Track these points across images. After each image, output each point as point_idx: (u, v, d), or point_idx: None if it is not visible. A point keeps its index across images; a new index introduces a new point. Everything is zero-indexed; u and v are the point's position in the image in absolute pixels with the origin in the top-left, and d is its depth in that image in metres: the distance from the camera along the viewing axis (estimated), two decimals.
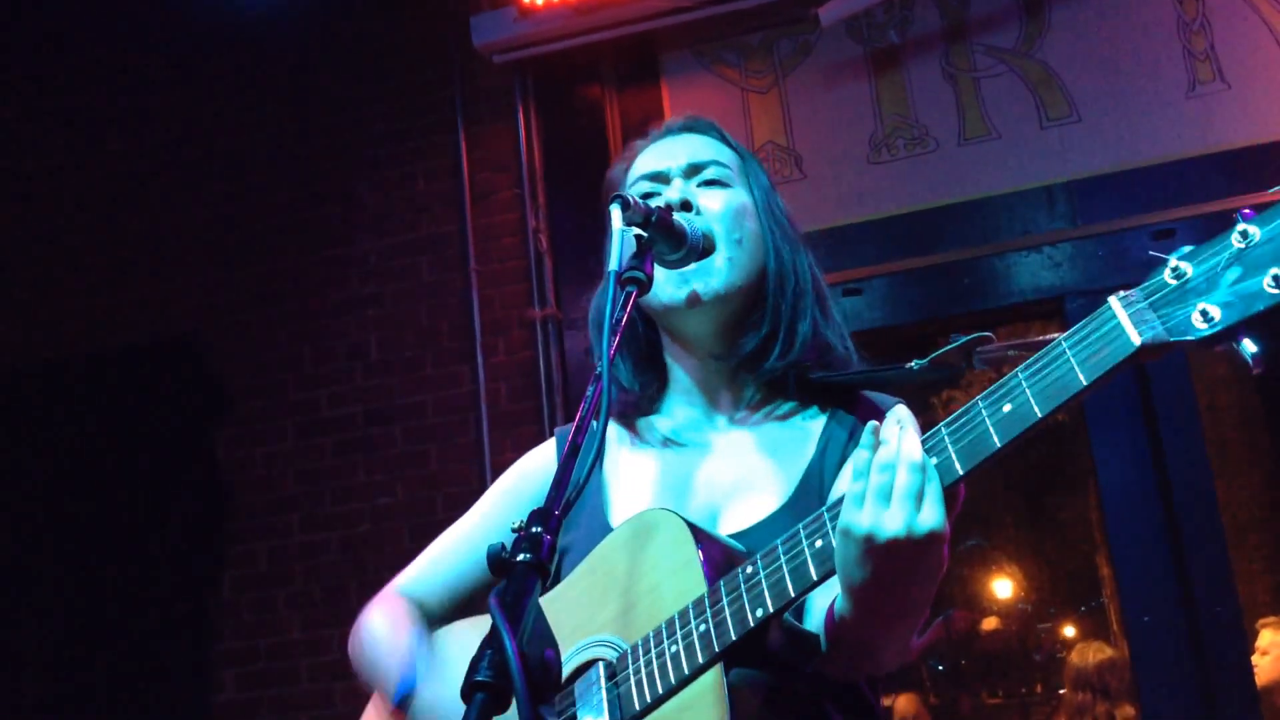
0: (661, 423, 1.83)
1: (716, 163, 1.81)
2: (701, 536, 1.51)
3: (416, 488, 4.63)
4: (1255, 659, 4.87)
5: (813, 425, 1.75)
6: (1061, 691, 5.84)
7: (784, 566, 1.37)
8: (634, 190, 1.82)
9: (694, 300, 1.70)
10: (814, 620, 1.51)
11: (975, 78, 4.44)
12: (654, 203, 1.67)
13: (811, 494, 1.65)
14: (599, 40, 4.62)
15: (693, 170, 1.80)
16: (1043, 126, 4.33)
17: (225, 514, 4.82)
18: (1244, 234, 1.13)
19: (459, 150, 4.86)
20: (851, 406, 1.75)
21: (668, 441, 1.80)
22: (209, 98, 5.23)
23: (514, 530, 1.19)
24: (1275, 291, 1.10)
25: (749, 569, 1.40)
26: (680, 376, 1.83)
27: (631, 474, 1.79)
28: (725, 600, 1.40)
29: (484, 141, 4.87)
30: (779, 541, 1.40)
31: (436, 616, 1.87)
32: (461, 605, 1.88)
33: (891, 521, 1.26)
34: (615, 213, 1.51)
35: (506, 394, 4.61)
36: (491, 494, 1.95)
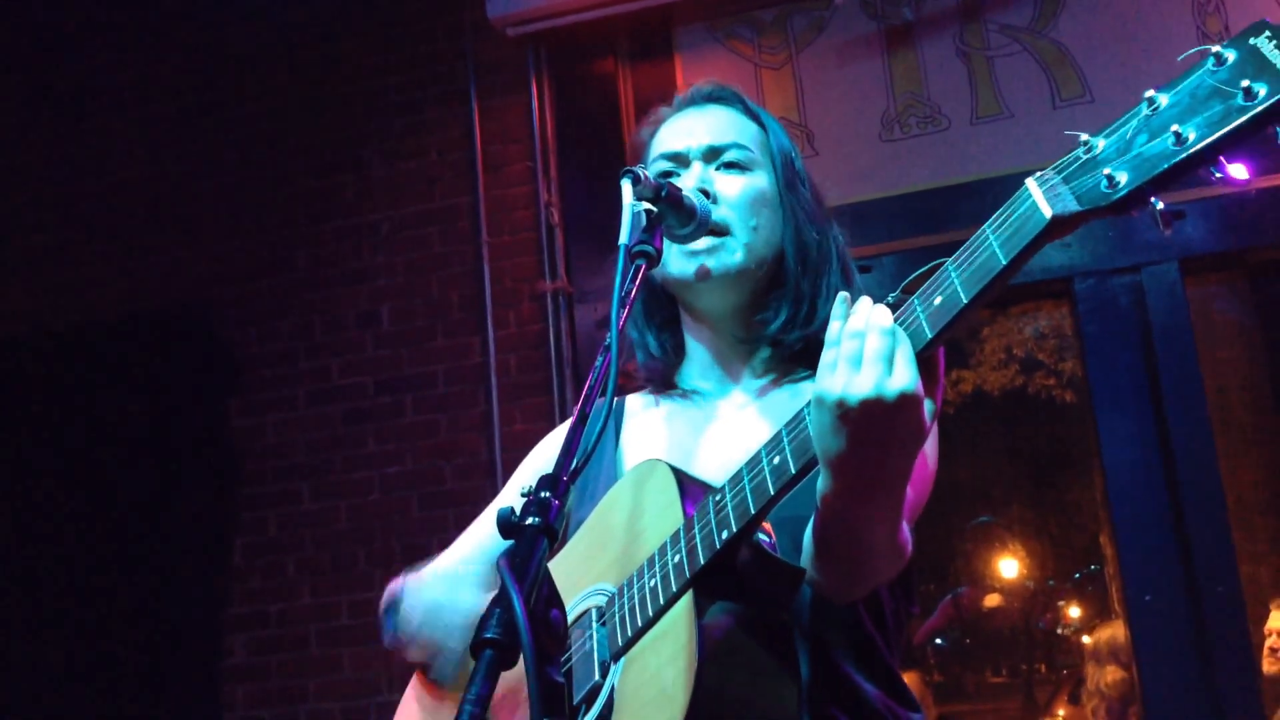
0: (679, 395, 1.86)
1: (737, 144, 1.81)
2: (685, 481, 1.54)
3: (426, 458, 4.67)
4: (1276, 642, 4.87)
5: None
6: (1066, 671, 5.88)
7: (746, 486, 1.39)
8: (654, 168, 1.83)
9: (703, 274, 1.73)
10: (805, 546, 1.53)
11: (989, 56, 4.43)
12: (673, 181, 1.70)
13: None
14: (613, 14, 4.62)
15: (712, 154, 1.81)
16: (1055, 106, 4.32)
17: (236, 481, 4.87)
18: (1151, 101, 1.16)
19: (471, 122, 4.88)
20: None
21: (683, 413, 1.83)
22: (223, 67, 5.25)
23: (523, 495, 1.22)
24: (1177, 149, 1.12)
25: (717, 496, 1.43)
26: (696, 349, 1.86)
27: (646, 449, 1.82)
28: (696, 529, 1.42)
29: (497, 114, 4.88)
30: (742, 465, 1.42)
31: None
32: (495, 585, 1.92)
33: (862, 383, 1.27)
34: (626, 187, 1.54)
35: (516, 366, 4.65)
36: (519, 475, 1.99)
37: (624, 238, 1.48)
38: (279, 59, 5.19)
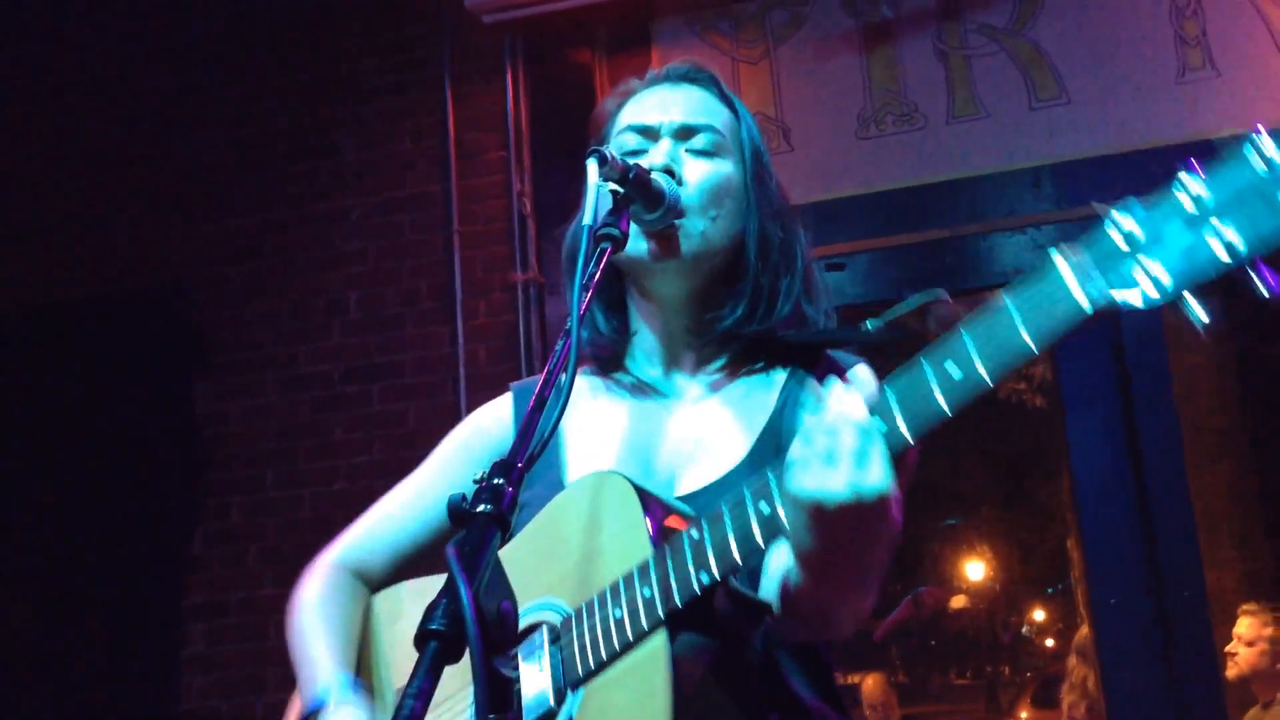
0: (624, 379, 1.80)
1: (710, 129, 1.75)
2: (649, 500, 1.49)
3: (393, 447, 4.61)
4: (1237, 647, 4.90)
5: (773, 383, 1.74)
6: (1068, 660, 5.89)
7: (729, 530, 1.34)
8: (620, 139, 1.78)
9: (657, 255, 1.67)
10: (768, 583, 1.50)
11: (966, 56, 4.42)
12: (638, 161, 1.65)
13: (768, 452, 1.63)
14: (591, 3, 4.58)
15: (684, 133, 1.74)
16: (1032, 108, 4.31)
17: (199, 467, 4.80)
18: (1185, 186, 1.10)
19: (445, 109, 4.83)
20: (812, 365, 1.73)
21: (628, 399, 1.78)
22: (194, 49, 5.17)
23: (475, 482, 1.18)
24: (1224, 260, 1.05)
25: (694, 532, 1.37)
26: (644, 333, 1.79)
27: (589, 432, 1.77)
28: (670, 564, 1.38)
29: (471, 102, 4.83)
30: (724, 504, 1.37)
31: (379, 581, 1.83)
32: (408, 567, 1.83)
33: (836, 483, 1.22)
34: (591, 167, 1.49)
35: (486, 356, 4.60)
36: (443, 449, 1.89)
37: (587, 218, 1.44)
38: (253, 42, 5.12)
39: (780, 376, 1.74)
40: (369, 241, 4.84)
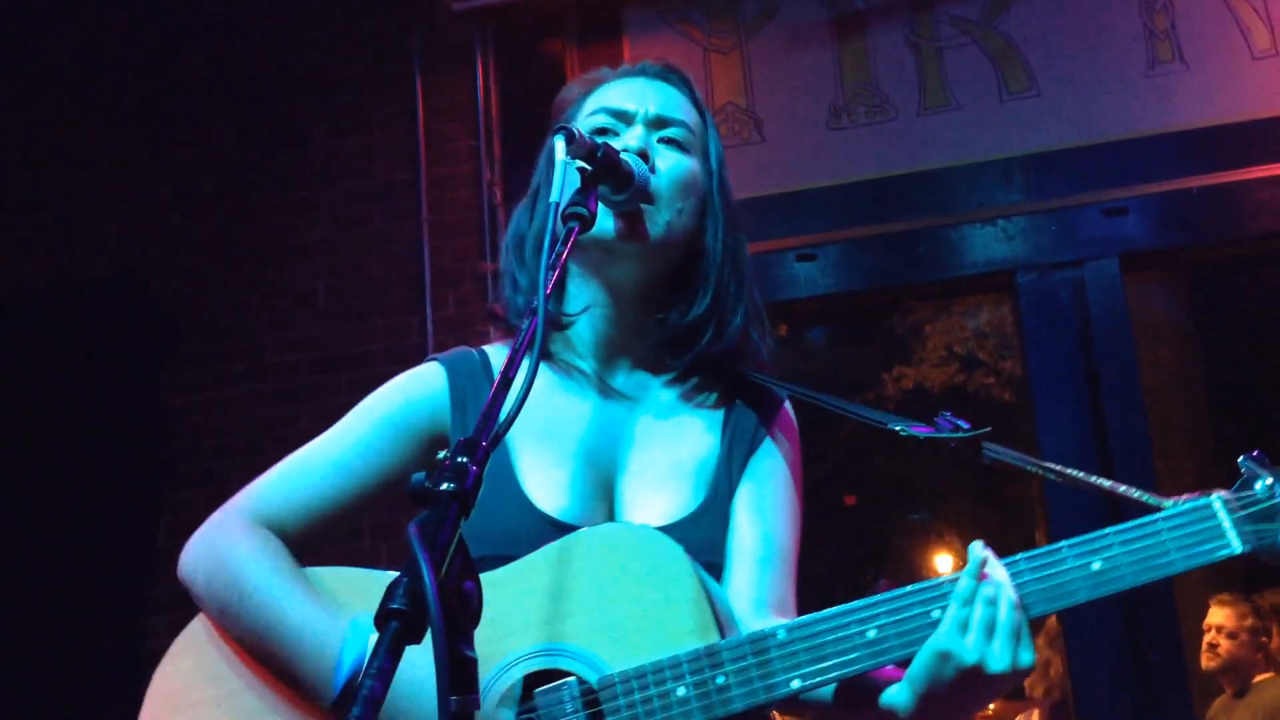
0: (559, 367, 1.75)
1: (683, 125, 1.74)
2: (707, 582, 1.49)
3: None
4: (1218, 638, 4.90)
5: (715, 414, 1.73)
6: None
7: (831, 647, 1.41)
8: (591, 120, 1.74)
9: (623, 235, 1.63)
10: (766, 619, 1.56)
11: (938, 48, 4.43)
12: (608, 141, 1.62)
13: (722, 497, 1.65)
14: None
15: (658, 123, 1.73)
16: (1002, 100, 4.32)
17: (165, 458, 4.75)
18: None
19: (415, 99, 4.79)
20: (750, 397, 1.75)
21: (566, 393, 1.72)
22: (164, 38, 5.10)
23: (439, 459, 1.15)
24: None
25: (783, 634, 1.41)
26: (585, 322, 1.73)
27: (530, 425, 1.67)
28: (753, 660, 1.41)
29: (441, 91, 4.80)
30: (824, 617, 1.42)
31: (295, 541, 1.68)
32: (323, 529, 1.71)
33: (999, 657, 1.36)
34: (559, 145, 1.46)
35: (455, 346, 4.56)
36: (368, 417, 1.79)
37: (554, 195, 1.40)
38: (222, 30, 5.07)
39: (720, 407, 1.74)
40: (338, 231, 4.79)
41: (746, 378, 1.75)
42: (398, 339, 4.64)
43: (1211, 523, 1.36)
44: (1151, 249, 4.18)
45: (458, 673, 1.01)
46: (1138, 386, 4.13)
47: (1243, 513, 1.35)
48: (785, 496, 1.71)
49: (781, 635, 1.40)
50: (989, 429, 1.62)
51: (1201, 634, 5.01)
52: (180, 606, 5.13)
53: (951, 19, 4.44)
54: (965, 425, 1.62)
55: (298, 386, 4.69)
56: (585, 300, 1.72)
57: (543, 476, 1.64)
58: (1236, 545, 1.35)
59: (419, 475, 1.13)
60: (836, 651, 1.40)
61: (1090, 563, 1.38)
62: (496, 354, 1.81)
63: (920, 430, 1.60)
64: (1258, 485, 1.35)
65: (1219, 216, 4.09)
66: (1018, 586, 1.38)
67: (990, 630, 1.36)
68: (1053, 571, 1.39)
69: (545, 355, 1.75)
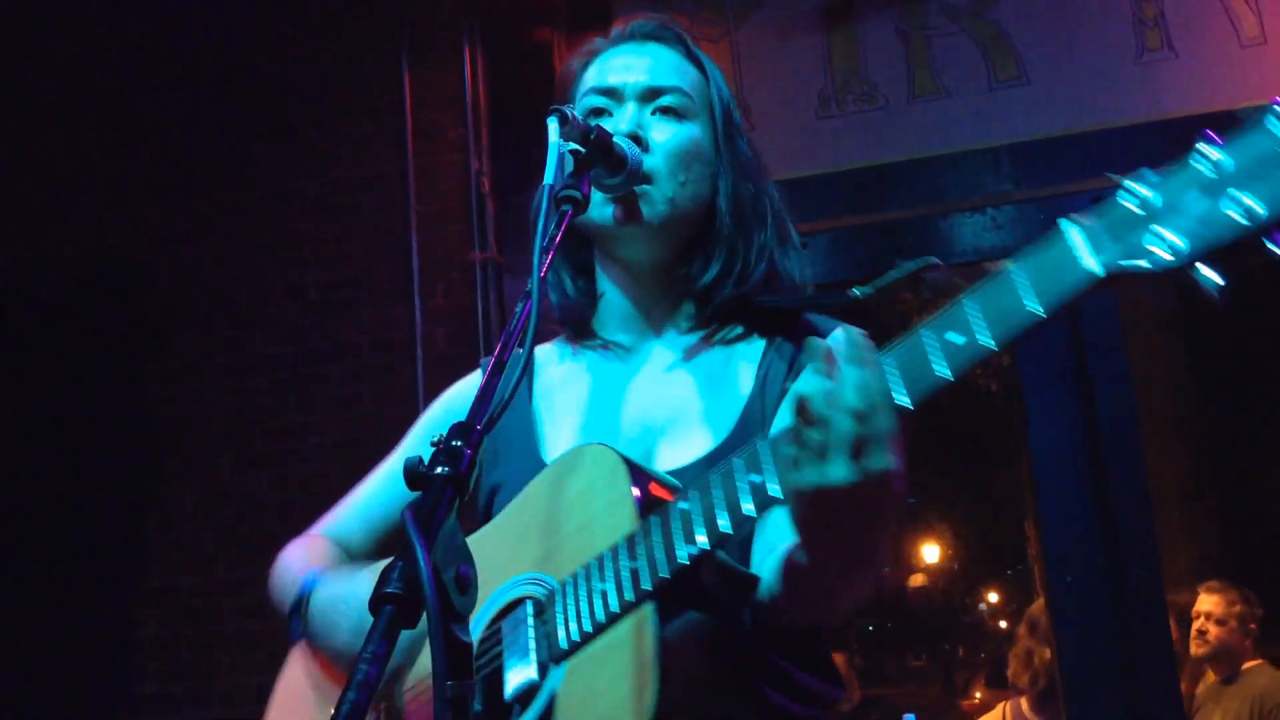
0: (595, 345, 1.76)
1: (677, 91, 1.69)
2: (636, 472, 1.45)
3: (349, 429, 4.56)
4: (1207, 625, 4.92)
5: (751, 353, 1.69)
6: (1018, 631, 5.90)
7: (718, 500, 1.30)
8: (584, 102, 1.72)
9: (622, 220, 1.62)
10: (766, 559, 1.46)
11: (927, 36, 4.42)
12: (603, 122, 1.61)
13: (751, 432, 1.57)
14: None
15: (650, 94, 1.69)
16: (991, 88, 4.32)
17: (153, 451, 4.73)
18: (1202, 156, 1.08)
19: (403, 88, 4.77)
20: (791, 333, 1.68)
21: (603, 368, 1.73)
22: (147, 27, 5.07)
23: (433, 444, 1.14)
24: (1244, 223, 1.04)
25: (682, 504, 1.33)
26: (615, 298, 1.75)
27: (564, 405, 1.73)
28: (658, 536, 1.34)
29: (429, 80, 4.77)
30: (712, 474, 1.33)
31: (363, 554, 1.83)
32: (386, 543, 1.84)
33: (842, 468, 1.18)
34: (552, 126, 1.45)
35: (444, 337, 4.56)
36: (416, 428, 1.91)
37: (548, 177, 1.40)
38: (205, 20, 5.03)
39: (759, 344, 1.70)
40: (325, 222, 4.78)
41: (779, 311, 1.71)
42: (387, 330, 4.63)
43: (1064, 249, 1.12)
44: None
45: (453, 657, 1.01)
46: (1128, 375, 4.13)
47: (1102, 229, 1.10)
48: None
49: (682, 505, 1.34)
50: (934, 259, 1.57)
51: (1190, 620, 5.03)
52: (172, 598, 5.11)
53: (940, 6, 4.43)
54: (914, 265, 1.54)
55: (287, 378, 4.68)
56: (611, 277, 1.75)
57: (567, 447, 1.63)
58: (1093, 264, 1.10)
59: (413, 458, 1.12)
60: (729, 500, 1.30)
61: (947, 335, 1.18)
62: (548, 349, 1.85)
63: (874, 285, 1.58)
64: (1124, 195, 1.11)
65: None
66: (866, 385, 1.19)
67: (828, 447, 1.18)
68: (913, 354, 1.20)
69: (586, 335, 1.77)
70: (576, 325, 1.78)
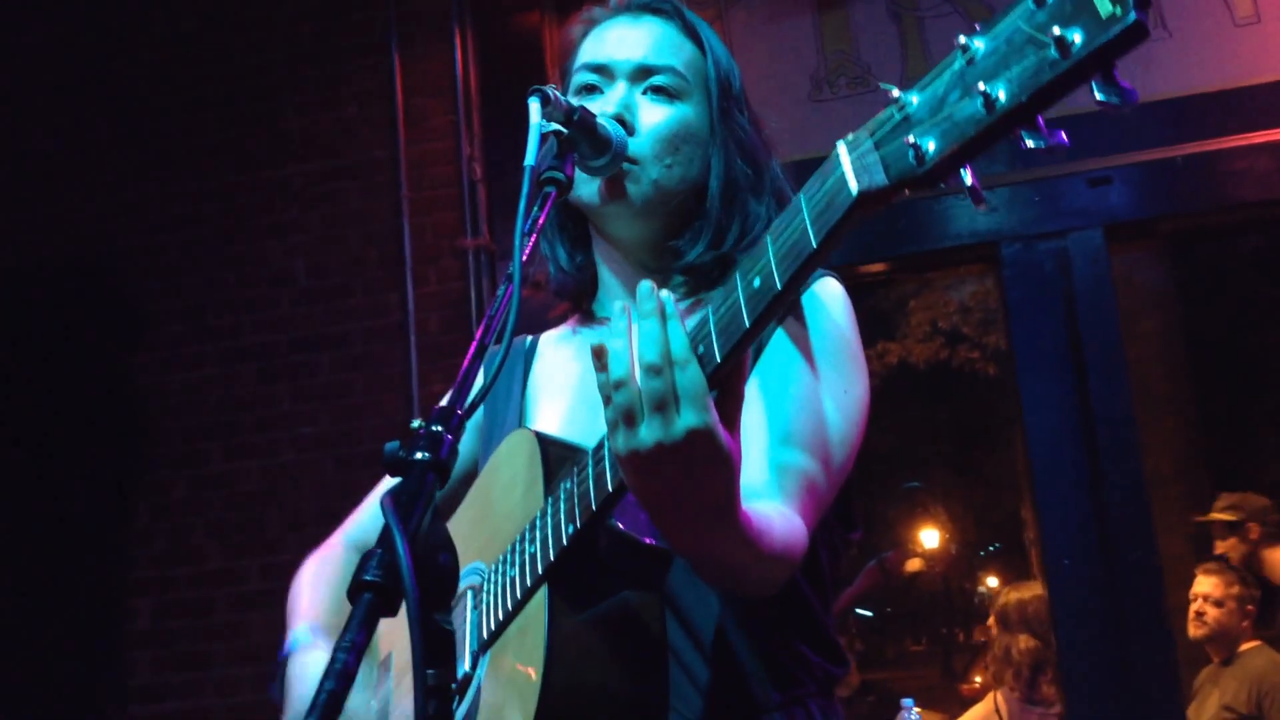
0: (595, 326, 1.74)
1: (670, 70, 1.64)
2: (551, 452, 1.42)
3: (341, 418, 4.54)
4: (1204, 606, 4.91)
5: None
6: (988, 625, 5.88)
7: (590, 477, 1.27)
8: (576, 78, 1.69)
9: (606, 199, 1.59)
10: None
11: (920, 17, 4.39)
12: (591, 102, 1.58)
13: None
14: None
15: (642, 73, 1.64)
16: None
17: (141, 441, 4.70)
18: (966, 49, 0.94)
19: (392, 74, 4.73)
20: None
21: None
22: (132, 10, 5.03)
23: (414, 429, 1.12)
24: (985, 113, 0.91)
25: (567, 483, 1.31)
26: (607, 274, 1.73)
27: (555, 388, 1.72)
28: (549, 518, 1.32)
29: (418, 65, 4.74)
30: (589, 449, 1.30)
31: None
32: None
33: (644, 428, 1.13)
34: (534, 106, 1.41)
35: (436, 324, 4.53)
36: None
37: (529, 159, 1.36)
38: (192, 5, 5.00)
39: None
40: (315, 209, 4.74)
41: None
42: (378, 317, 4.60)
43: (836, 172, 1.02)
44: (1135, 218, 4.15)
45: (433, 645, 0.99)
46: (1122, 357, 4.11)
47: (869, 143, 1.01)
48: (787, 370, 1.52)
49: (567, 485, 1.30)
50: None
51: (1188, 602, 5.02)
52: (163, 589, 5.07)
53: None
54: None
55: (277, 366, 4.65)
56: (602, 252, 1.73)
57: (554, 428, 1.63)
58: (852, 187, 1.00)
59: (392, 444, 1.10)
60: (596, 477, 1.26)
61: (752, 280, 1.11)
62: (550, 337, 1.85)
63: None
64: (891, 105, 1.00)
65: (1203, 185, 4.07)
66: (700, 339, 1.15)
67: (632, 409, 1.13)
68: (726, 305, 1.14)
69: (586, 315, 1.77)
70: (574, 297, 1.77)
